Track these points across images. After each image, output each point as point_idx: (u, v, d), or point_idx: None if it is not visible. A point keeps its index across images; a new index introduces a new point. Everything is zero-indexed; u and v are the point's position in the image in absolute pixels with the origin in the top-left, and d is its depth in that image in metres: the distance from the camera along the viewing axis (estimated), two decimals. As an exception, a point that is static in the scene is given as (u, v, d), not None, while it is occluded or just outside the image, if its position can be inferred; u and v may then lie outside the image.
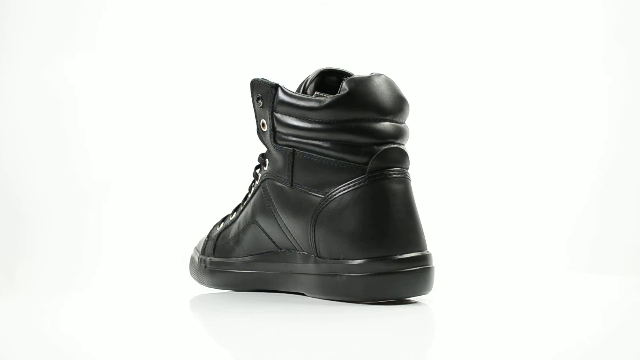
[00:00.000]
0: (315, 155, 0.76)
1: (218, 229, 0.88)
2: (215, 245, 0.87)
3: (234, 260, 0.85)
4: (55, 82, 1.30)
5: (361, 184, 0.73)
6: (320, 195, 0.75)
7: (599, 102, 1.34)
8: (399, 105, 0.75)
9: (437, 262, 0.75)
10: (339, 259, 0.73)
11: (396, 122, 0.75)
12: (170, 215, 1.28)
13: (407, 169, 0.75)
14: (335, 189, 0.74)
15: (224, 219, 0.88)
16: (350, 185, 0.74)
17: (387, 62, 1.33)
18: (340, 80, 0.77)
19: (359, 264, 0.72)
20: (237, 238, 0.85)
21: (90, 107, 1.32)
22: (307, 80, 0.78)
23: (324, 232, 0.74)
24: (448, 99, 1.36)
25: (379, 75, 0.75)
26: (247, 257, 0.84)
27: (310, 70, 0.80)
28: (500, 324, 0.65)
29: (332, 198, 0.74)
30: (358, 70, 0.80)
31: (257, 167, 0.85)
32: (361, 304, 0.72)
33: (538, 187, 1.31)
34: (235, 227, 0.85)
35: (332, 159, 0.75)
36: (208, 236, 0.88)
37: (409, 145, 0.78)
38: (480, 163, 1.32)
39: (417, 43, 1.37)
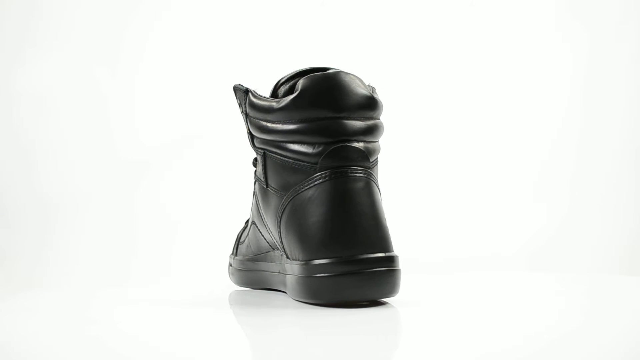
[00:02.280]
0: (278, 156, 0.76)
1: (241, 230, 0.90)
2: (237, 246, 0.89)
3: (246, 260, 0.87)
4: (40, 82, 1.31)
5: (311, 184, 0.73)
6: (284, 196, 0.75)
7: (598, 105, 1.35)
8: (357, 101, 0.73)
9: (415, 265, 0.74)
10: (295, 259, 0.73)
11: (355, 120, 0.73)
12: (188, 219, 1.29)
13: (367, 167, 0.73)
14: (292, 189, 0.74)
15: (247, 220, 0.90)
16: (303, 185, 0.73)
17: (387, 62, 1.33)
18: None
19: (306, 265, 0.72)
20: (247, 239, 0.87)
21: (92, 106, 1.33)
22: (279, 82, 0.78)
23: (284, 232, 0.75)
24: (445, 97, 1.36)
25: (336, 72, 0.74)
26: (253, 257, 0.86)
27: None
28: (467, 329, 0.64)
29: (290, 199, 0.74)
30: (353, 69, 0.79)
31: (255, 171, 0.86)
32: (326, 306, 0.71)
33: (521, 188, 1.32)
34: (247, 228, 0.87)
35: (290, 160, 0.75)
36: (236, 236, 0.91)
37: (390, 143, 0.77)
38: (463, 168, 1.33)
39: (417, 43, 1.37)
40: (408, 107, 1.32)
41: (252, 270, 0.86)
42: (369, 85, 0.78)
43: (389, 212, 1.08)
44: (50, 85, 1.31)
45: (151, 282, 1.01)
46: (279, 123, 0.75)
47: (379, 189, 0.74)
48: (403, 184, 1.28)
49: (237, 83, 0.81)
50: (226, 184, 1.25)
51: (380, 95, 0.77)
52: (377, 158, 0.76)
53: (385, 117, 0.79)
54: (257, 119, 0.77)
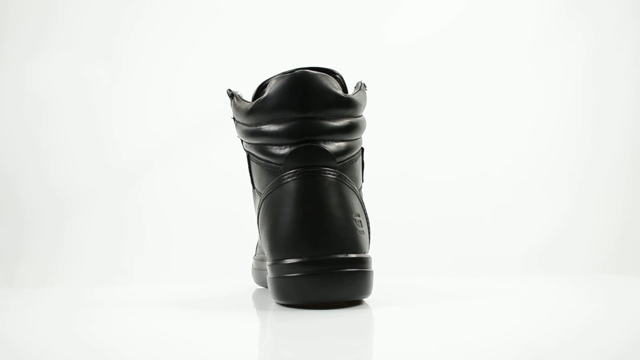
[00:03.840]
0: (255, 158, 0.76)
1: None
2: (256, 246, 0.90)
3: (258, 260, 0.89)
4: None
5: (277, 185, 0.72)
6: (260, 198, 0.75)
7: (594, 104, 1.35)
8: (325, 101, 0.72)
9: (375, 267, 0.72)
10: (267, 260, 0.73)
11: (323, 119, 0.72)
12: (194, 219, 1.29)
13: (332, 167, 0.72)
14: (264, 191, 0.74)
15: None
16: (272, 187, 0.73)
17: (386, 61, 1.34)
18: None
19: (273, 266, 0.71)
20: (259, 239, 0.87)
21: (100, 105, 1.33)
22: (262, 85, 0.77)
23: (260, 233, 0.75)
24: (448, 96, 1.36)
25: (303, 71, 0.72)
26: (262, 257, 0.86)
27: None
28: (442, 333, 0.63)
29: (262, 200, 0.74)
30: (350, 71, 0.79)
31: None
32: (297, 307, 0.71)
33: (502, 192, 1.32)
34: None
35: (262, 161, 0.74)
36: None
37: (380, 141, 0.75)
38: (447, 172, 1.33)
39: (416, 42, 1.37)
40: (411, 106, 1.33)
41: (262, 269, 0.87)
42: (360, 82, 0.77)
43: (389, 214, 1.09)
44: (50, 85, 1.31)
45: (190, 282, 1.02)
46: (253, 125, 0.75)
47: (352, 188, 0.73)
48: (405, 185, 1.28)
49: (228, 88, 0.80)
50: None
51: (370, 93, 0.77)
52: (352, 157, 0.74)
53: (388, 116, 0.78)
54: (239, 122, 0.77)
